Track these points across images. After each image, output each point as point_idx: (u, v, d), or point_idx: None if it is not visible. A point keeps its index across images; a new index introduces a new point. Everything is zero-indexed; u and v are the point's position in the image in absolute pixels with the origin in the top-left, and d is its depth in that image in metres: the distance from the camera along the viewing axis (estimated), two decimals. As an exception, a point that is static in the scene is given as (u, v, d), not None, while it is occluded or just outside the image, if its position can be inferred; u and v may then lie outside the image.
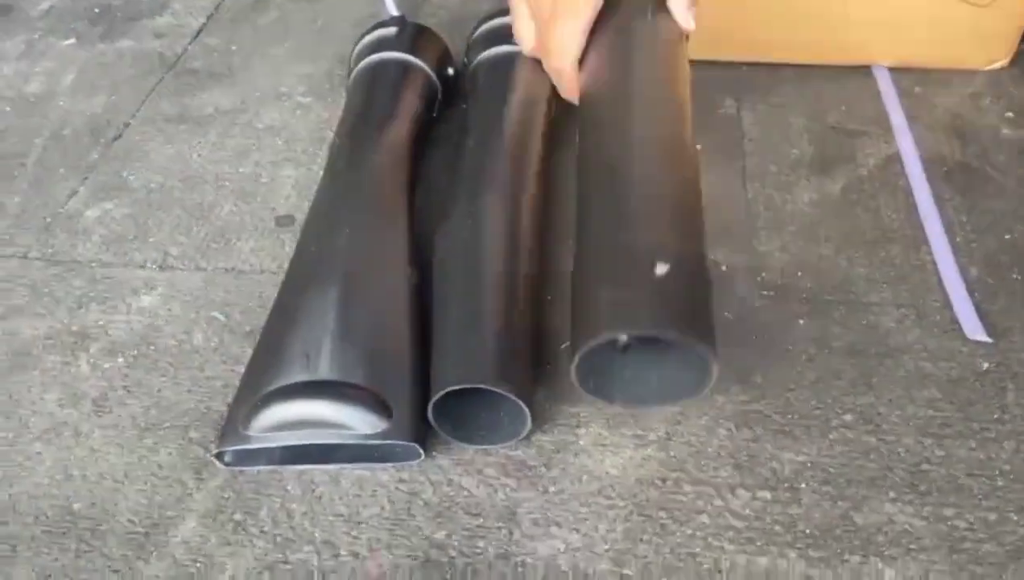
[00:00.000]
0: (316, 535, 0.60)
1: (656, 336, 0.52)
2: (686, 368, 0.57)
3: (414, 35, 0.94)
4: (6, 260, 0.82)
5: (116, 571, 0.59)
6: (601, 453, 0.65)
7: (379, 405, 0.63)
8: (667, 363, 0.58)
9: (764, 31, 1.00)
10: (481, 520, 0.61)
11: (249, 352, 0.70)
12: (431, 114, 0.90)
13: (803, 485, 0.62)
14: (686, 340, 0.52)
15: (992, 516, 0.60)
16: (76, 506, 0.63)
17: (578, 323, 0.56)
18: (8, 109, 1.01)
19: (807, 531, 0.60)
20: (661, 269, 0.56)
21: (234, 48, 1.09)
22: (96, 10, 1.18)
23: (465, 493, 0.62)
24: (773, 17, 0.98)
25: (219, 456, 0.64)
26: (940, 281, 0.76)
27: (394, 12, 0.97)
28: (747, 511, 0.61)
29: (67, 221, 0.86)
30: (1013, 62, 1.00)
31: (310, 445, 0.64)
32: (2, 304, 0.77)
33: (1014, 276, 0.76)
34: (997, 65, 1.00)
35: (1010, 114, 0.94)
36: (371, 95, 0.88)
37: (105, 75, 1.05)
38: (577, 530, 0.60)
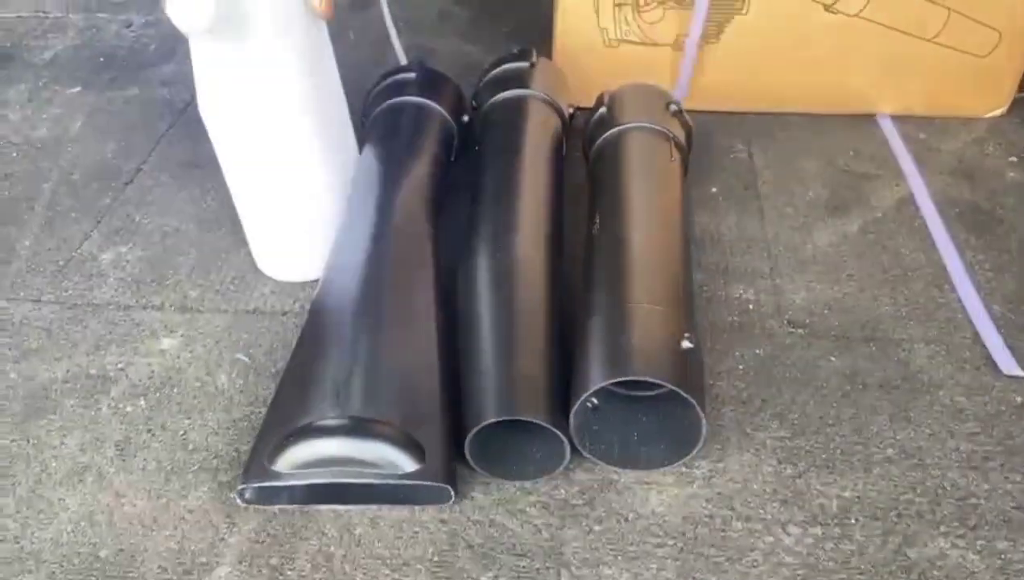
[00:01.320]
0: (358, 578, 0.58)
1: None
2: (669, 432, 0.65)
3: (432, 80, 0.94)
4: (19, 303, 0.80)
5: (148, 621, 0.56)
6: (645, 491, 0.63)
7: (410, 444, 0.61)
8: (649, 426, 0.66)
9: (770, 81, 1.02)
10: (528, 560, 0.59)
11: (276, 393, 0.68)
12: (449, 157, 0.90)
13: (853, 520, 0.61)
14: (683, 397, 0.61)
15: (1044, 549, 0.59)
16: (103, 553, 0.60)
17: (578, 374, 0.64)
18: (15, 155, 0.99)
19: (862, 567, 0.58)
20: (687, 344, 0.63)
21: (243, 96, 1.09)
22: (101, 59, 1.18)
23: (509, 533, 0.61)
24: (779, 68, 1.01)
25: (240, 492, 0.62)
26: (966, 317, 0.77)
27: (403, 60, 0.98)
28: (799, 548, 0.60)
29: (81, 264, 0.84)
30: (1012, 110, 1.03)
31: (336, 484, 0.62)
32: (16, 347, 0.75)
33: (1036, 312, 0.78)
34: (997, 112, 1.03)
35: (1014, 159, 0.97)
36: (391, 138, 0.87)
37: (114, 121, 1.04)
38: (628, 570, 0.58)
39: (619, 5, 0.98)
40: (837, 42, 0.98)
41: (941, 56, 0.98)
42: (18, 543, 0.61)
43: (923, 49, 0.98)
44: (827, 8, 0.96)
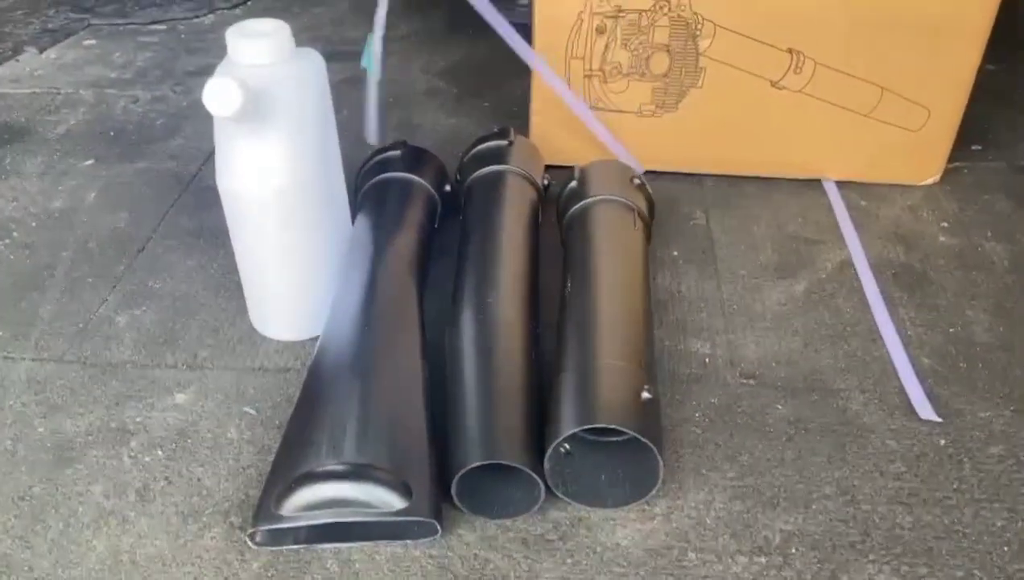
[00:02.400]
0: (357, 608, 0.66)
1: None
2: (632, 474, 0.73)
3: (415, 156, 1.04)
4: (43, 363, 0.87)
5: (170, 647, 0.63)
6: (611, 526, 0.71)
7: (400, 485, 0.69)
8: (615, 469, 0.75)
9: (725, 148, 1.13)
10: (508, 590, 0.67)
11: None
12: (433, 225, 1.00)
13: (793, 550, 0.70)
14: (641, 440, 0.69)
15: (959, 573, 0.68)
16: (128, 588, 0.67)
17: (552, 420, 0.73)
18: (34, 225, 1.08)
19: (800, 591, 0.67)
20: (646, 395, 0.72)
21: (244, 168, 1.18)
22: (111, 133, 1.27)
23: (492, 566, 0.69)
24: (732, 136, 1.12)
25: (251, 536, 0.70)
26: (895, 369, 0.86)
27: (373, 141, 1.06)
28: (747, 575, 0.68)
29: (99, 326, 0.92)
30: (944, 179, 1.14)
31: (336, 523, 0.69)
32: (43, 404, 0.83)
33: (961, 365, 0.87)
34: (930, 181, 1.14)
35: (945, 224, 1.07)
36: (380, 210, 0.97)
37: (125, 193, 1.13)
38: (596, 596, 0.66)
39: (588, 76, 1.09)
40: (784, 114, 1.09)
41: (878, 129, 1.10)
42: (51, 580, 0.68)
43: (861, 122, 1.09)
44: (773, 84, 1.07)
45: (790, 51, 1.05)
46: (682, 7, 1.03)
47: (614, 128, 1.11)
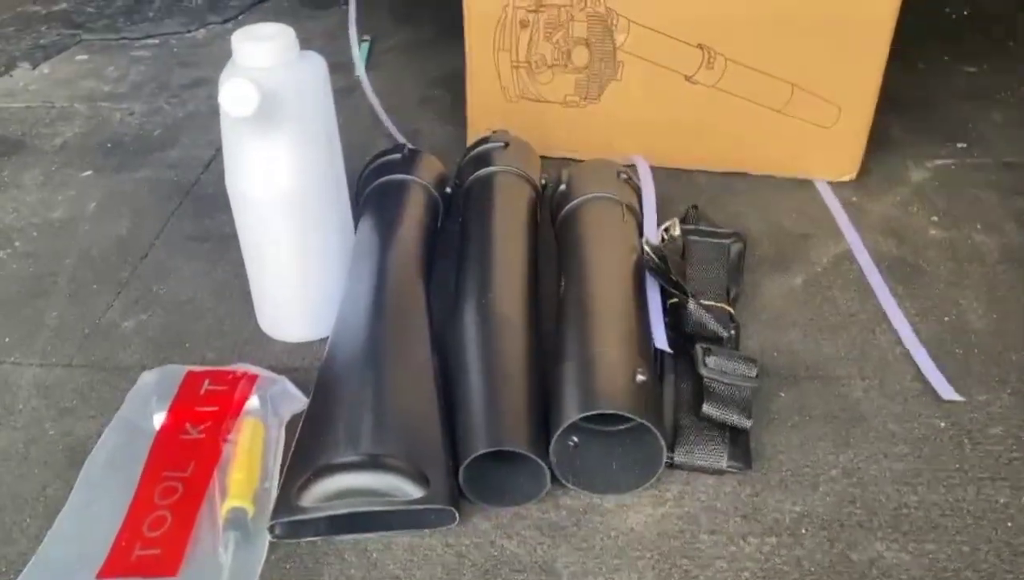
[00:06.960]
0: (376, 596, 0.66)
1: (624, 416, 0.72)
2: (640, 457, 0.74)
3: (416, 159, 1.06)
4: (51, 368, 0.88)
5: (192, 639, 0.64)
6: (624, 512, 0.73)
7: (417, 474, 0.70)
8: (624, 455, 0.76)
9: (649, 139, 1.14)
10: (525, 575, 0.68)
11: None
12: (436, 225, 1.01)
13: (803, 531, 0.71)
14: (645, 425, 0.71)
15: (965, 548, 0.69)
16: (147, 583, 0.67)
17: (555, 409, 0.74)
18: (36, 234, 1.08)
19: (812, 569, 0.68)
20: (640, 378, 0.74)
21: (243, 176, 1.19)
22: (108, 145, 1.27)
23: (508, 552, 0.69)
24: (654, 129, 1.14)
25: (270, 529, 0.70)
26: (895, 355, 0.88)
27: (401, 139, 1.09)
28: (758, 555, 0.69)
29: (106, 331, 0.92)
30: (933, 175, 1.16)
31: (355, 514, 0.70)
32: (53, 407, 0.83)
33: (956, 351, 0.89)
34: (846, 178, 1.15)
35: (935, 218, 1.09)
36: (384, 211, 0.98)
37: (126, 202, 1.14)
38: (612, 578, 0.67)
39: (515, 67, 1.14)
40: (700, 108, 1.12)
41: (792, 125, 1.12)
42: None
43: (776, 118, 1.11)
44: (688, 79, 1.10)
45: (700, 47, 1.08)
46: (597, 3, 1.07)
47: (542, 118, 1.16)
